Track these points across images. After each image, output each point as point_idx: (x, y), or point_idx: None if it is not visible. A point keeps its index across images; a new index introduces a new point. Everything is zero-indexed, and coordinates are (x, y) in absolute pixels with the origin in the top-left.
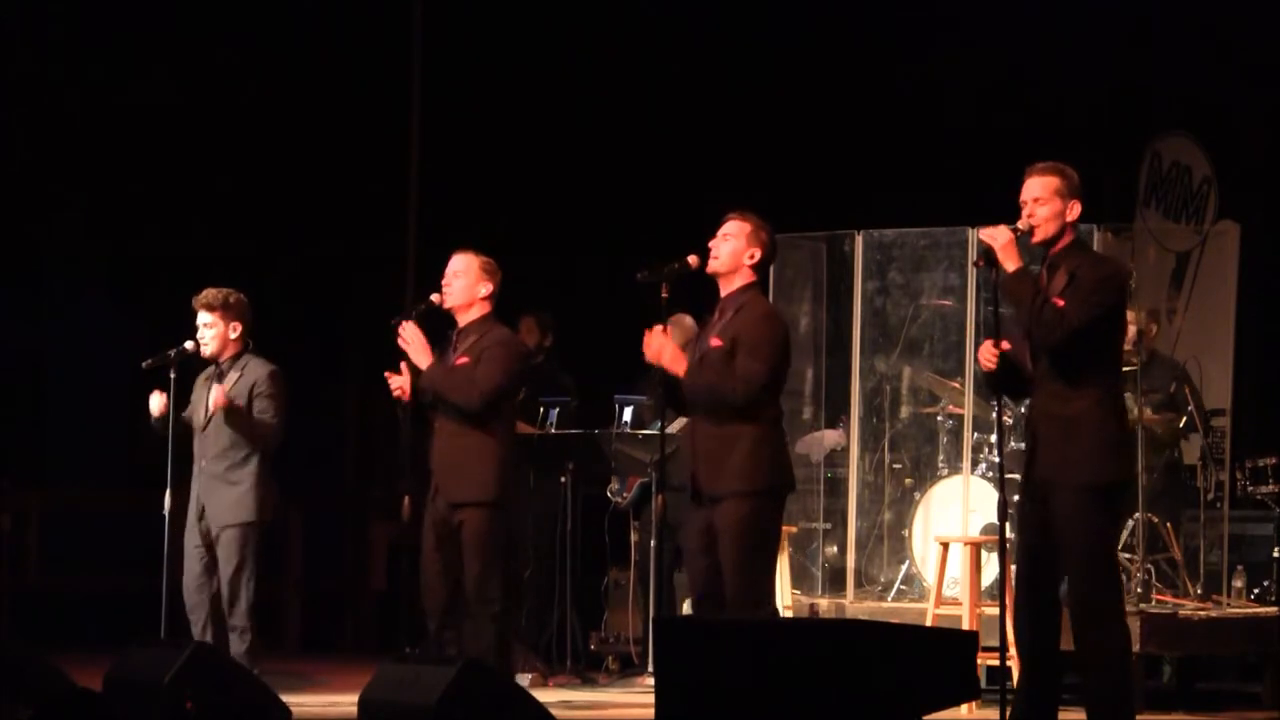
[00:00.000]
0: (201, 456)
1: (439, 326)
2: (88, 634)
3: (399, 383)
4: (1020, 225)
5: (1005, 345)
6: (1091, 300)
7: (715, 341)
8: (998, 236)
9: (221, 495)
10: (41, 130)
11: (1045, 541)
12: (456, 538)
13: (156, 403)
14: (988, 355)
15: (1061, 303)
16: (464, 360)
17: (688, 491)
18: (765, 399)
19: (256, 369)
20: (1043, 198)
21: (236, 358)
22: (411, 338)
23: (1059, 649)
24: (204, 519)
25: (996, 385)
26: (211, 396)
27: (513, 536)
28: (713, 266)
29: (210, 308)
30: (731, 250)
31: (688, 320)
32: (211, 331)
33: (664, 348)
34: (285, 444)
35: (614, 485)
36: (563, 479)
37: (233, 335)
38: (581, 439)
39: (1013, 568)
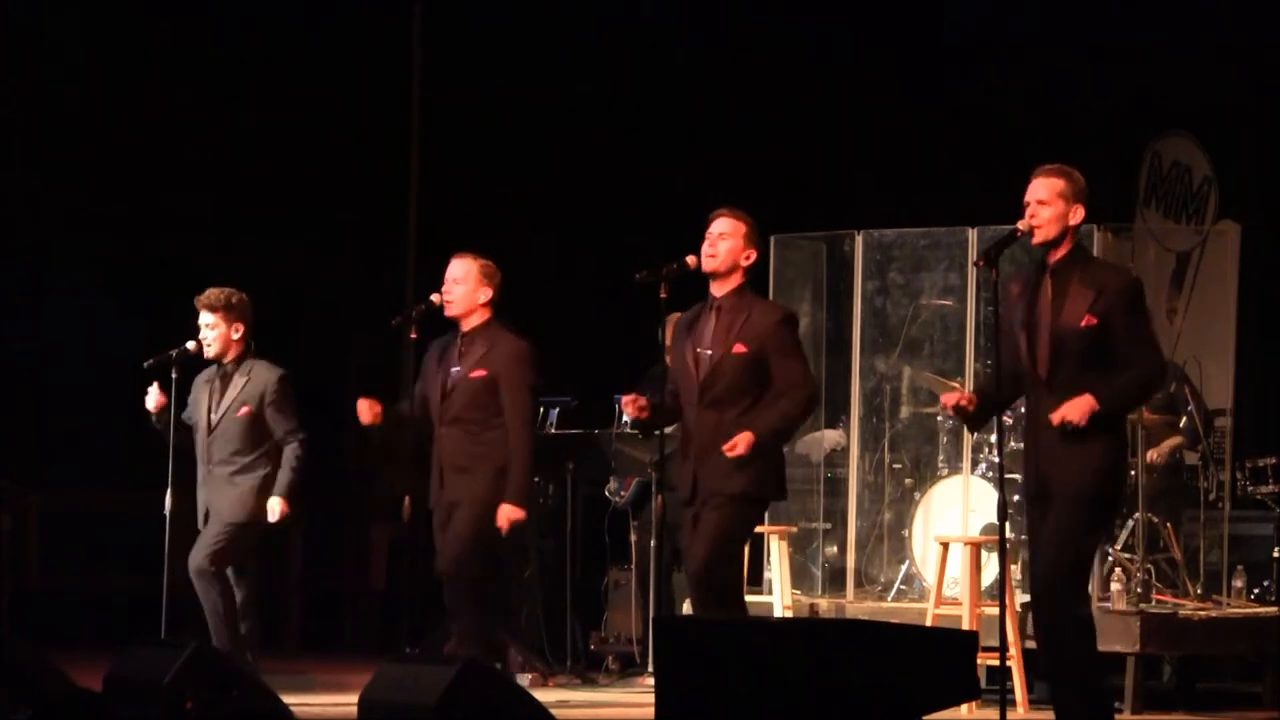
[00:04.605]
0: (207, 459)
1: (439, 326)
2: (88, 634)
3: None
4: (1020, 225)
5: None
6: (1145, 322)
7: (740, 348)
8: (1070, 414)
9: (225, 494)
10: (42, 130)
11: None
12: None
13: (153, 398)
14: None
15: (1095, 321)
16: (480, 373)
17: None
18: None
19: (263, 374)
20: (1046, 200)
21: (240, 360)
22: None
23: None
24: (208, 519)
25: (975, 424)
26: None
27: (505, 539)
28: (710, 266)
29: (212, 308)
30: (730, 249)
31: None
32: (214, 332)
33: None
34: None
35: (612, 484)
36: (563, 479)
37: (235, 336)
38: (581, 439)
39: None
